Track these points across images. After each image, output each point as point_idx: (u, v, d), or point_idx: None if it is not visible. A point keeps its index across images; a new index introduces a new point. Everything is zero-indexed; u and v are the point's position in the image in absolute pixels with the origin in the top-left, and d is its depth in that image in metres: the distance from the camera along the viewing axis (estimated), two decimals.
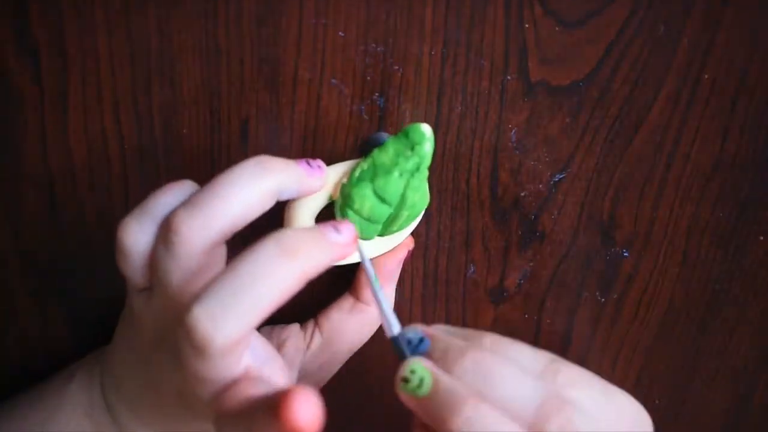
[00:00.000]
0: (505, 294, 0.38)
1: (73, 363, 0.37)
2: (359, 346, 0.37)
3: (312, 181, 0.30)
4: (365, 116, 0.34)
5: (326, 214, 0.33)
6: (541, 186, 0.35)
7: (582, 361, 0.39)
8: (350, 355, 0.37)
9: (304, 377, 0.36)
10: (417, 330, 0.28)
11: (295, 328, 0.36)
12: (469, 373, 0.26)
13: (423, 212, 0.34)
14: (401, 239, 0.35)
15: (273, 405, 0.22)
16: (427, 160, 0.30)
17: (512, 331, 0.39)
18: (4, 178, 0.36)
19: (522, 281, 0.38)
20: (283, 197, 0.29)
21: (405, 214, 0.32)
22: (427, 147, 0.30)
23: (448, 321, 0.39)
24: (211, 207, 0.28)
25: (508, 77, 0.33)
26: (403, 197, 0.31)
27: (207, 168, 0.35)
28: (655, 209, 0.36)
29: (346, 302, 0.36)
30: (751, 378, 0.41)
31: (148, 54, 0.33)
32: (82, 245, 0.37)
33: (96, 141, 0.35)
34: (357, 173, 0.31)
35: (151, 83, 0.33)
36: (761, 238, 0.36)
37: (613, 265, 0.37)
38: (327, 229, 0.27)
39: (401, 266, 0.36)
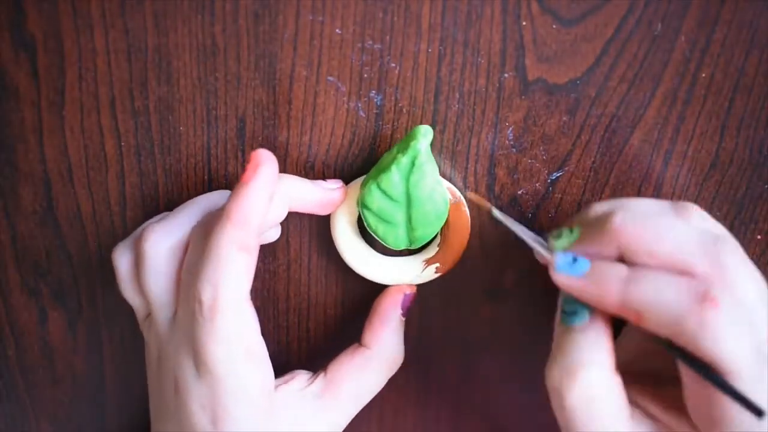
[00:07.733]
0: (502, 293, 0.38)
1: (67, 360, 0.37)
2: (367, 396, 0.35)
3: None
4: (362, 113, 0.34)
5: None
6: (538, 184, 0.35)
7: None
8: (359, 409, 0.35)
9: None
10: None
11: (302, 372, 0.35)
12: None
13: (468, 233, 0.35)
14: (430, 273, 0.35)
15: None
16: (422, 156, 0.31)
17: (510, 331, 0.39)
18: (1, 174, 0.36)
19: (520, 280, 0.38)
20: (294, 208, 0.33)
21: (419, 216, 0.33)
22: (421, 143, 0.31)
23: (444, 320, 0.39)
24: (175, 214, 0.33)
25: (505, 75, 0.33)
26: (408, 195, 0.32)
27: (203, 165, 0.35)
28: None
29: (352, 346, 0.35)
30: None
31: (144, 50, 0.33)
32: (79, 243, 0.37)
33: (92, 138, 0.35)
34: (369, 173, 0.33)
35: (148, 80, 0.33)
36: (758, 236, 0.36)
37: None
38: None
39: (400, 310, 0.35)
